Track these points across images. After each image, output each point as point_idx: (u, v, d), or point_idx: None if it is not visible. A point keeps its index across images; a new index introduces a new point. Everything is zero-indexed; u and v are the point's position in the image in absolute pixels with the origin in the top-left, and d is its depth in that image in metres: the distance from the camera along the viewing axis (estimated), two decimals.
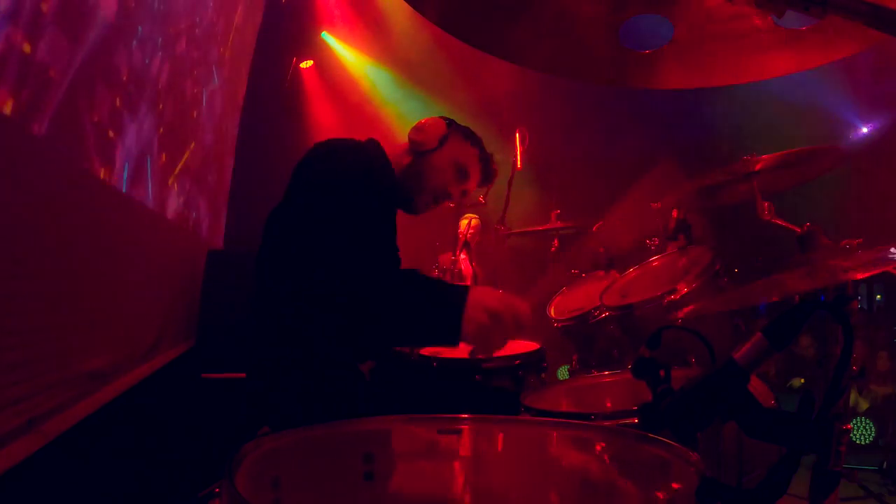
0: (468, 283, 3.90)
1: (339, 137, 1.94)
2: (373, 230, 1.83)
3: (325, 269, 1.62)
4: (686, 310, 2.08)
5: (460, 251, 3.76)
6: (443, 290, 1.61)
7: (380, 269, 1.73)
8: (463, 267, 3.69)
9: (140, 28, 2.58)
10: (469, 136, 2.06)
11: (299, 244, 1.74)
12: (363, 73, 6.37)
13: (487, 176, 2.09)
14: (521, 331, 1.52)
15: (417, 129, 2.00)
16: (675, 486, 0.87)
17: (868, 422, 3.80)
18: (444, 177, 1.97)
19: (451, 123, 2.04)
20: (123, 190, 2.52)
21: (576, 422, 1.24)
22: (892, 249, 1.47)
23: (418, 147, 1.98)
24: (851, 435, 3.72)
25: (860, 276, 1.39)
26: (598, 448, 1.07)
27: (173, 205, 3.38)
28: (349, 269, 1.61)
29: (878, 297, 4.83)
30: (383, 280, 1.63)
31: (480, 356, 1.99)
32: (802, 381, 4.28)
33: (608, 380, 1.99)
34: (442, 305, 1.53)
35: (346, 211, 1.69)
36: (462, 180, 2.02)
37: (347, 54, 6.38)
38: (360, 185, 1.76)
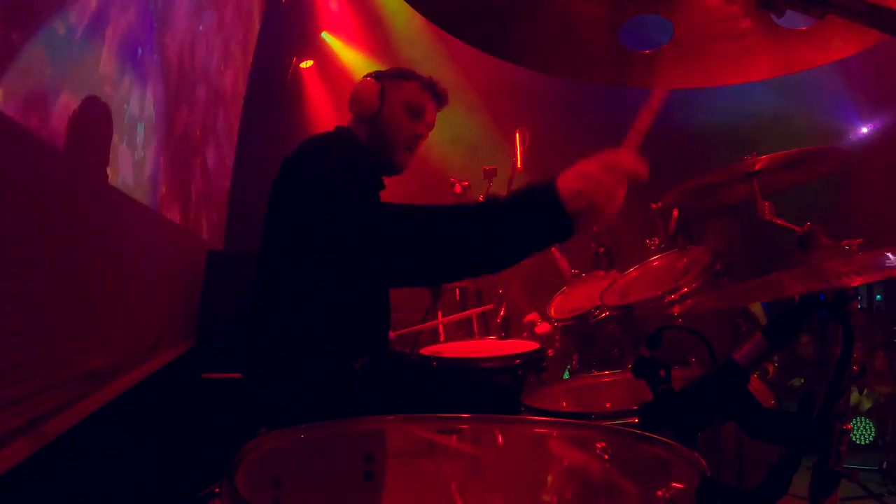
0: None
1: (316, 134, 2.03)
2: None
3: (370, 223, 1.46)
4: (686, 304, 2.09)
5: None
6: (522, 188, 1.41)
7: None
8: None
9: (139, 28, 2.57)
10: (400, 74, 2.10)
11: (294, 235, 1.78)
12: (363, 73, 6.35)
13: (439, 97, 2.11)
14: (628, 173, 1.33)
15: (353, 100, 2.04)
16: (675, 485, 0.87)
17: (868, 422, 3.80)
18: (403, 124, 2.01)
19: (378, 75, 2.08)
20: (123, 190, 2.52)
21: (576, 421, 1.24)
22: (890, 255, 1.47)
23: (365, 114, 2.01)
24: (851, 435, 3.72)
25: (856, 282, 1.38)
26: (598, 448, 1.07)
27: (173, 205, 3.38)
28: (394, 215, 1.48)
29: (878, 297, 4.83)
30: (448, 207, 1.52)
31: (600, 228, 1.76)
32: (802, 380, 4.28)
33: (608, 379, 1.99)
34: (532, 193, 1.36)
35: (347, 182, 1.69)
36: (420, 116, 2.04)
37: (347, 54, 6.37)
38: (350, 163, 1.80)
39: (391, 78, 2.07)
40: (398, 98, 2.02)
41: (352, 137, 2.03)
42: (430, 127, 2.10)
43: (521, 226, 1.36)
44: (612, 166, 1.34)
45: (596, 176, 1.33)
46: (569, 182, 1.33)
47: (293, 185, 1.83)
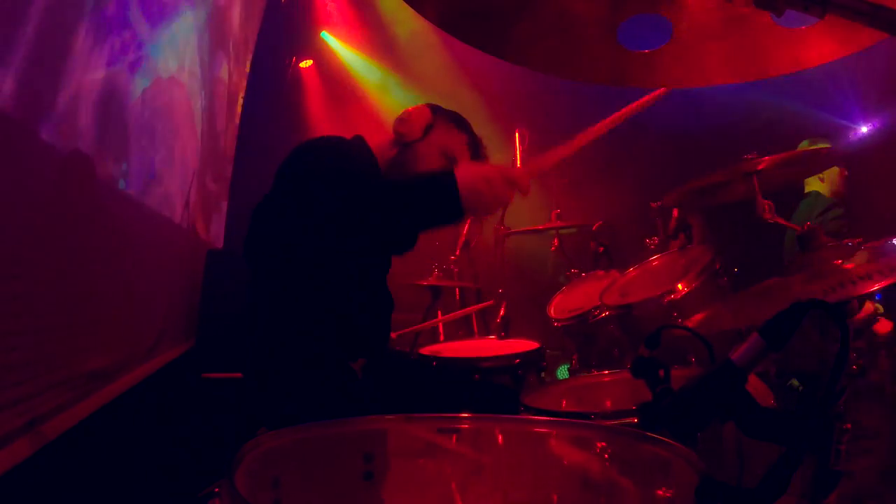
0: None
1: (322, 135, 1.95)
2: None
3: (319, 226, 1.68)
4: (696, 318, 2.06)
5: (460, 250, 3.76)
6: (431, 174, 1.75)
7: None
8: None
9: (139, 27, 2.57)
10: (456, 120, 2.02)
11: (289, 233, 1.78)
12: (363, 73, 6.37)
13: (478, 161, 2.04)
14: (517, 188, 1.64)
15: (401, 119, 1.97)
16: (675, 485, 0.87)
17: None
18: (430, 167, 1.92)
19: (436, 110, 2.00)
20: (123, 190, 2.52)
21: (576, 421, 1.23)
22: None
23: (403, 138, 1.95)
24: None
25: (878, 285, 1.37)
26: (598, 447, 1.07)
27: (173, 205, 3.38)
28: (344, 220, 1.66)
29: (877, 296, 4.82)
30: (375, 189, 1.72)
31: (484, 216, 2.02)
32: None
33: (608, 379, 1.99)
34: (436, 182, 1.64)
35: (334, 200, 1.68)
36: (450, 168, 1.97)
37: (347, 54, 6.38)
38: (344, 176, 1.75)
39: (446, 119, 2.00)
40: (441, 140, 1.95)
41: (363, 148, 1.95)
42: None
43: (425, 210, 1.65)
44: (509, 180, 1.63)
45: (493, 183, 1.59)
46: (469, 181, 1.58)
47: (285, 184, 1.83)
